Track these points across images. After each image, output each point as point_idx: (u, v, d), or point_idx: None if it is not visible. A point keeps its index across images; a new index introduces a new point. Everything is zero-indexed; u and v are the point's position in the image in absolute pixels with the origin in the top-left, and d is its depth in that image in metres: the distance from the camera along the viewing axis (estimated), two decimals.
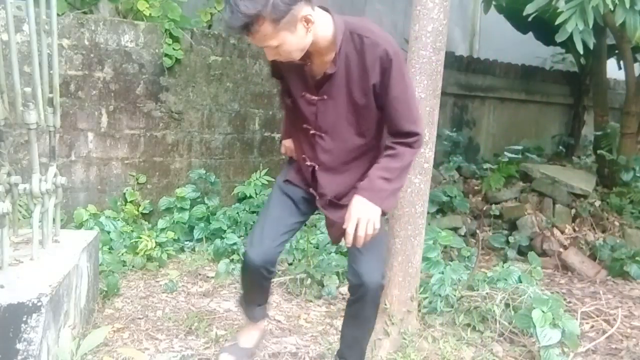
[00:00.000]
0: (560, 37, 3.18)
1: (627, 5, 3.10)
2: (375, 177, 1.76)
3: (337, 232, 1.91)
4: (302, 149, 1.94)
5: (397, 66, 1.73)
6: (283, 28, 1.57)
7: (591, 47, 3.27)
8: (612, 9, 3.05)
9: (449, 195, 4.44)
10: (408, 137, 1.78)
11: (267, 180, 4.16)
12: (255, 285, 2.05)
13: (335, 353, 2.19)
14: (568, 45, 4.02)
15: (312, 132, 1.86)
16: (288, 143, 2.12)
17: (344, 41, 1.71)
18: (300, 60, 1.72)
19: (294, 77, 1.84)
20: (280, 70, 1.89)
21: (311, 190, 1.96)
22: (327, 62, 1.75)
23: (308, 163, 1.92)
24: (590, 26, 3.09)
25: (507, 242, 4.21)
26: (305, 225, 2.18)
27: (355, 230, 1.72)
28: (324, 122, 1.83)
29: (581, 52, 3.25)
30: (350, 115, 1.81)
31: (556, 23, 3.14)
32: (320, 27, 1.68)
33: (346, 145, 1.86)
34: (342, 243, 1.87)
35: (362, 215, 1.72)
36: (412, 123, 1.78)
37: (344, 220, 1.78)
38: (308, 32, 1.63)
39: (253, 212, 4.02)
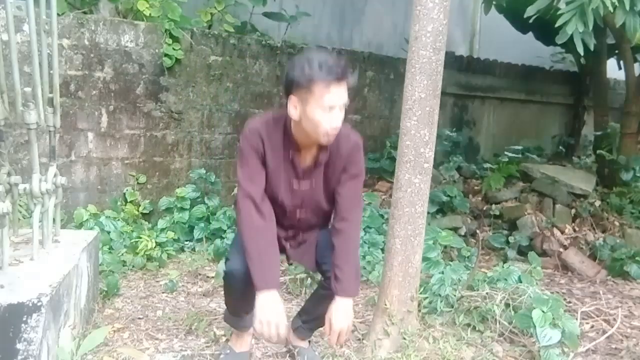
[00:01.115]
0: (560, 39, 3.18)
1: (627, 7, 3.09)
2: (346, 273, 2.00)
3: (310, 261, 2.18)
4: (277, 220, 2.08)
5: (361, 153, 2.06)
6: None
7: (592, 48, 3.27)
8: (612, 10, 3.04)
9: (449, 195, 4.44)
10: (353, 213, 2.06)
11: None
12: (243, 293, 2.05)
13: (300, 319, 2.34)
14: (568, 45, 4.02)
15: (298, 216, 2.11)
16: None
17: None
18: (296, 152, 1.98)
19: (280, 170, 2.01)
20: (264, 166, 2.01)
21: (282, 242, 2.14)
22: (312, 151, 2.00)
23: (283, 241, 2.13)
24: (590, 28, 3.09)
25: (507, 242, 4.21)
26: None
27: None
28: (308, 203, 2.09)
29: (582, 53, 3.25)
30: (326, 192, 2.08)
31: (556, 25, 3.14)
32: None
33: (319, 211, 2.14)
34: None
35: (343, 325, 1.99)
36: (359, 202, 2.11)
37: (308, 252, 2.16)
38: None
39: None
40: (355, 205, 2.08)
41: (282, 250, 2.12)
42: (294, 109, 1.87)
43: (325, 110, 1.82)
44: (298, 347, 2.32)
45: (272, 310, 1.84)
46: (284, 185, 2.02)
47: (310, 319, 2.30)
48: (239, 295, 2.08)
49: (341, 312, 1.99)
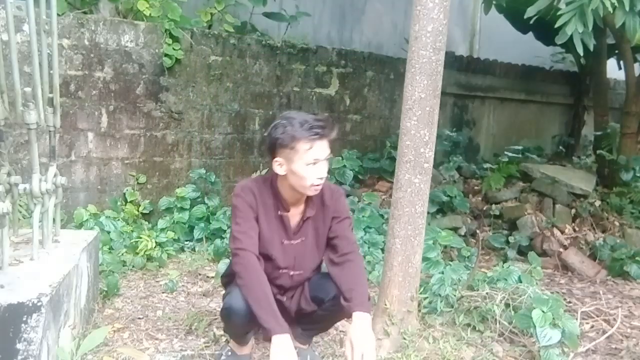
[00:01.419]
0: (560, 40, 3.18)
1: (627, 7, 3.09)
2: (359, 292, 2.01)
3: (306, 302, 2.18)
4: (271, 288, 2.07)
5: (344, 198, 2.20)
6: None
7: (591, 49, 3.27)
8: (611, 11, 3.04)
9: (449, 195, 4.44)
10: (353, 246, 2.13)
11: None
12: (244, 323, 2.06)
13: (299, 327, 2.29)
14: (568, 45, 4.02)
15: (291, 273, 2.14)
16: None
17: None
18: (284, 209, 2.06)
19: (272, 228, 2.07)
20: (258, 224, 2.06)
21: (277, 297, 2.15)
22: (299, 208, 2.08)
23: (278, 296, 2.14)
24: (590, 29, 3.09)
25: (507, 242, 4.21)
26: None
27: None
28: (301, 261, 2.14)
29: (581, 54, 3.25)
30: (317, 245, 2.15)
31: (556, 26, 3.14)
32: None
33: (311, 268, 2.20)
34: None
35: (366, 347, 1.87)
36: (354, 239, 2.18)
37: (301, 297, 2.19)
38: None
39: None
40: (352, 242, 2.15)
41: (279, 304, 2.10)
42: (279, 167, 1.98)
43: (310, 164, 1.92)
44: (298, 348, 2.32)
45: (287, 355, 1.84)
46: (276, 244, 2.08)
47: (310, 327, 2.31)
48: (240, 327, 2.11)
49: (360, 331, 1.90)
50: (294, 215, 2.10)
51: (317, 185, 1.96)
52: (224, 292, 2.26)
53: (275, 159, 1.97)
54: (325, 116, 2.03)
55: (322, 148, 1.93)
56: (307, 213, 2.09)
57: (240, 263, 1.97)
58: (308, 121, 1.91)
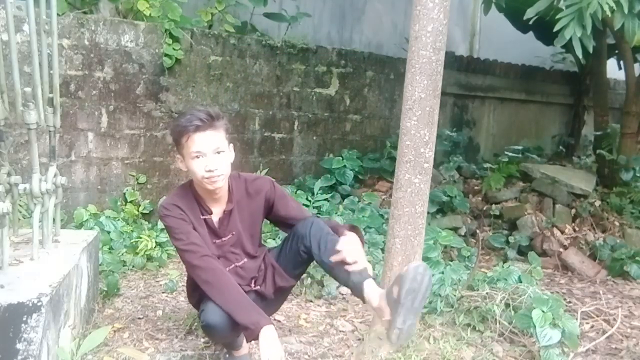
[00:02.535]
0: (559, 43, 3.18)
1: (626, 10, 3.09)
2: (345, 227, 2.13)
3: (282, 277, 2.19)
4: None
5: (278, 187, 2.21)
6: (227, 140, 2.01)
7: (590, 50, 3.27)
8: (609, 14, 3.04)
9: (449, 195, 4.44)
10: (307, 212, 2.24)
11: None
12: (228, 334, 2.06)
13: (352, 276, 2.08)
14: (568, 45, 4.02)
15: (237, 264, 2.17)
16: None
17: (233, 183, 2.12)
18: (205, 212, 2.08)
19: (203, 233, 2.08)
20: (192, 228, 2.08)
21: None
22: (222, 206, 2.11)
23: (254, 288, 2.20)
24: (589, 32, 3.09)
25: (507, 242, 4.21)
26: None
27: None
28: (239, 252, 2.17)
29: (581, 56, 3.25)
30: (249, 234, 2.19)
31: (555, 30, 3.14)
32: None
33: (254, 249, 2.23)
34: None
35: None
36: (307, 211, 2.26)
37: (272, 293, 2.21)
38: (231, 159, 2.04)
39: None
40: (305, 210, 2.24)
41: (257, 294, 2.17)
42: (181, 164, 2.05)
43: (195, 158, 1.95)
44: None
45: (275, 346, 1.85)
46: (211, 245, 2.09)
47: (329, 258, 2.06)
48: (225, 337, 2.11)
49: (352, 240, 2.02)
50: (217, 214, 2.12)
51: (209, 177, 1.96)
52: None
53: (177, 156, 2.04)
54: (213, 109, 2.02)
55: (204, 140, 1.94)
56: (227, 207, 2.11)
57: (204, 270, 1.98)
58: (191, 114, 1.95)
